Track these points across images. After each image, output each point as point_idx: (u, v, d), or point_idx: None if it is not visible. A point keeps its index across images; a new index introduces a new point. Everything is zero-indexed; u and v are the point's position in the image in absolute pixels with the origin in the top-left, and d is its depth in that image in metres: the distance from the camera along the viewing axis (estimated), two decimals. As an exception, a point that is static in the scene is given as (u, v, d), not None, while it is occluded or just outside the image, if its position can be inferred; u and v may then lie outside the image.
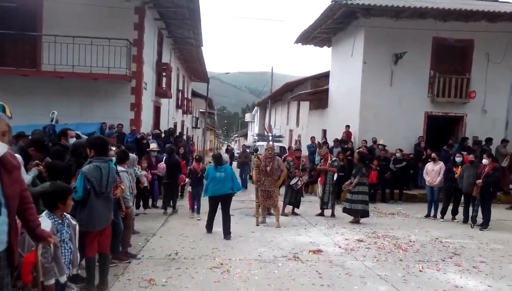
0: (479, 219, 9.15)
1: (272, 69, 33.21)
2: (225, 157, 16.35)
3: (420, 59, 14.05)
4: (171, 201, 10.12)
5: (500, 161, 12.34)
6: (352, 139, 14.06)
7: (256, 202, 9.02)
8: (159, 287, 4.93)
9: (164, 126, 16.10)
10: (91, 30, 11.70)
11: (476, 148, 13.11)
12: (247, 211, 10.52)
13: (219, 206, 7.85)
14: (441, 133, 14.81)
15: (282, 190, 10.93)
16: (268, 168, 8.79)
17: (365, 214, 9.36)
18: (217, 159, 7.99)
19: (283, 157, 12.22)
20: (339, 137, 14.18)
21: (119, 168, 5.74)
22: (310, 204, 11.61)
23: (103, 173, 4.45)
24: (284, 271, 5.64)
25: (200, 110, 34.27)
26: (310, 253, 6.62)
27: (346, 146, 13.33)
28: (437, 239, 7.94)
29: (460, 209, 9.88)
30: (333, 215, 9.98)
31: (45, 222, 3.31)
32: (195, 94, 29.54)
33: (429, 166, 10.58)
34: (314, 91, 19.30)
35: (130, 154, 6.86)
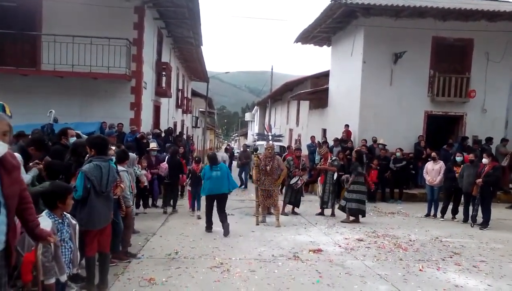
0: (479, 218, 9.16)
1: (272, 69, 33.22)
2: (224, 156, 16.39)
3: (420, 58, 14.05)
4: (171, 201, 10.15)
5: (500, 160, 12.33)
6: (352, 139, 14.06)
7: (256, 201, 9.02)
8: (159, 286, 4.93)
9: (164, 125, 16.09)
10: (91, 30, 11.69)
11: (476, 147, 13.11)
12: (247, 210, 10.52)
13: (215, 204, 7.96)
14: (441, 132, 14.81)
15: (282, 189, 10.94)
16: (268, 167, 8.79)
17: (361, 213, 9.31)
18: (212, 159, 8.19)
19: (282, 156, 12.21)
20: (339, 137, 14.18)
21: (119, 168, 5.74)
22: (310, 203, 11.61)
23: (103, 172, 4.45)
24: (284, 271, 5.64)
25: (200, 109, 34.26)
26: (310, 252, 6.62)
27: (346, 145, 13.33)
28: (437, 238, 7.94)
29: (460, 208, 9.88)
30: (333, 214, 9.98)
31: (46, 221, 3.31)
32: (195, 93, 29.53)
33: (429, 165, 10.59)
34: (314, 91, 19.29)
35: (130, 153, 6.86)
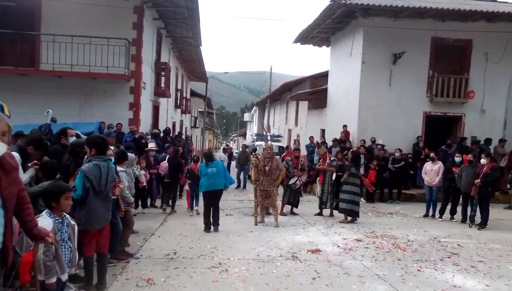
0: (477, 218, 9.17)
1: (271, 69, 33.25)
2: (222, 156, 16.38)
3: (419, 59, 14.06)
4: (169, 200, 10.18)
5: (498, 160, 12.37)
6: (350, 139, 14.06)
7: (254, 202, 9.03)
8: (157, 286, 4.93)
9: (163, 126, 16.09)
10: (90, 30, 11.69)
11: (475, 147, 13.14)
12: (245, 210, 10.53)
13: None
14: (440, 133, 14.83)
15: (281, 190, 10.93)
16: (267, 168, 8.79)
17: (353, 213, 9.29)
18: (207, 156, 8.45)
19: (281, 157, 12.22)
20: (338, 137, 14.19)
21: (118, 168, 5.75)
22: (308, 203, 11.61)
23: (102, 171, 4.45)
24: (283, 271, 5.64)
25: (199, 110, 34.27)
26: (309, 252, 6.62)
27: (344, 146, 13.33)
28: (436, 238, 7.95)
29: (459, 209, 9.90)
30: (331, 214, 9.98)
31: (46, 221, 3.32)
32: (194, 93, 29.54)
33: (428, 165, 10.60)
34: (313, 91, 19.30)
35: (129, 154, 6.88)
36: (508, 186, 12.94)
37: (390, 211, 10.98)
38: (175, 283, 5.04)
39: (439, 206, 10.20)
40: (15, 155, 3.46)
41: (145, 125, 13.69)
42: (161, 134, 14.05)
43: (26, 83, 12.21)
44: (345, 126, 14.39)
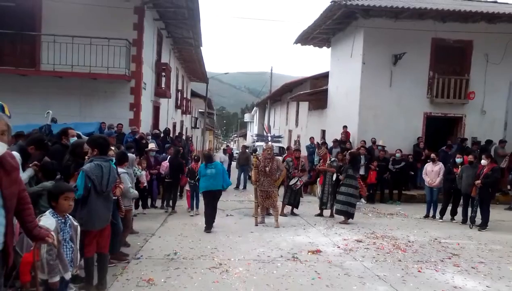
0: (478, 219, 9.16)
1: (271, 70, 33.26)
2: (222, 157, 16.36)
3: (419, 60, 14.06)
4: (170, 200, 10.20)
5: (498, 161, 12.36)
6: (351, 140, 14.06)
7: (255, 202, 9.02)
8: (157, 287, 4.93)
9: (163, 126, 16.10)
10: (91, 30, 11.70)
11: (476, 147, 13.14)
12: (246, 211, 10.52)
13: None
14: (440, 134, 14.82)
15: (281, 190, 10.93)
16: (267, 169, 8.78)
17: (348, 215, 9.30)
18: (207, 157, 8.55)
19: (282, 157, 12.22)
20: (338, 138, 14.19)
21: (120, 169, 5.76)
22: (309, 204, 11.61)
23: (104, 171, 4.46)
24: (283, 271, 5.64)
25: (199, 110, 34.28)
26: (309, 253, 6.61)
27: (345, 146, 13.33)
28: (436, 239, 7.94)
29: (459, 210, 9.89)
30: (332, 215, 9.97)
31: (50, 220, 3.34)
32: (194, 94, 29.54)
33: (429, 166, 10.59)
34: (313, 92, 19.30)
35: (129, 154, 6.88)
36: (509, 187, 12.93)
37: (390, 211, 10.98)
38: (175, 284, 5.03)
39: (439, 207, 10.20)
40: (16, 155, 3.46)
41: (145, 126, 13.69)
42: (162, 135, 14.05)
43: (26, 83, 12.22)
44: (345, 127, 14.39)
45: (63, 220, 3.48)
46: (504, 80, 14.35)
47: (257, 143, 21.49)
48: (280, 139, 24.02)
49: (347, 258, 6.42)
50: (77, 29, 11.76)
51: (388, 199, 12.70)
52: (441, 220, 9.98)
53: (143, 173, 8.56)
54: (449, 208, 10.03)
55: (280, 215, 9.35)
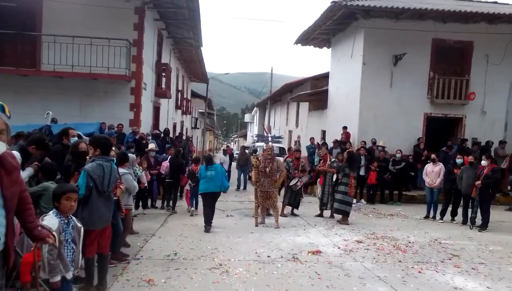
0: (478, 220, 9.15)
1: (271, 70, 33.26)
2: (222, 158, 16.34)
3: (420, 60, 14.06)
4: (170, 201, 10.22)
5: (499, 162, 12.35)
6: (351, 141, 14.06)
7: (255, 203, 9.02)
8: (158, 287, 4.92)
9: (163, 126, 16.09)
10: (91, 30, 11.71)
11: (476, 148, 13.13)
12: (246, 211, 10.52)
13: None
14: (441, 134, 14.82)
15: (282, 191, 10.93)
16: (268, 169, 8.78)
17: (343, 213, 9.34)
18: (208, 160, 8.63)
19: (285, 158, 12.20)
20: (339, 138, 14.19)
21: (122, 170, 5.76)
22: (309, 204, 11.60)
23: (105, 171, 4.47)
24: (283, 272, 5.63)
25: (200, 110, 34.28)
26: (309, 254, 6.61)
27: (345, 147, 13.32)
28: (436, 240, 7.94)
29: (459, 211, 9.88)
30: (332, 216, 9.96)
31: (53, 220, 3.37)
32: (194, 94, 29.54)
33: (429, 167, 10.59)
34: (314, 92, 19.30)
35: (130, 154, 6.88)
36: (509, 187, 12.94)
37: (390, 212, 10.97)
38: (175, 284, 5.03)
39: (440, 207, 10.19)
40: (16, 154, 3.45)
41: (145, 126, 13.69)
42: (162, 135, 14.04)
43: (27, 83, 12.22)
44: (345, 127, 14.39)
45: (66, 221, 3.49)
46: (504, 81, 14.35)
47: (257, 144, 21.48)
48: (280, 139, 24.04)
49: (347, 259, 6.42)
50: (78, 29, 11.77)
51: (388, 200, 12.70)
52: (441, 221, 9.97)
53: (144, 173, 8.56)
54: (449, 208, 10.03)
55: (280, 216, 9.35)
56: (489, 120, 14.43)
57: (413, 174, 13.17)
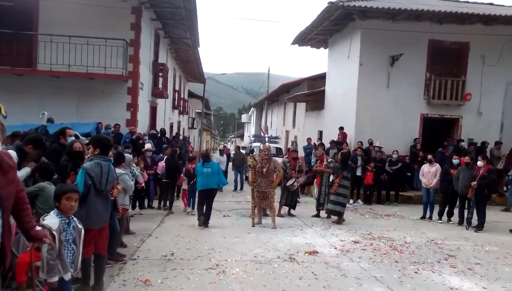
0: (474, 220, 9.20)
1: (268, 70, 33.22)
2: (218, 158, 16.32)
3: (416, 61, 14.10)
4: (167, 201, 10.22)
5: (495, 163, 12.40)
6: (348, 141, 14.08)
7: (252, 203, 9.01)
8: (154, 287, 4.91)
9: (160, 126, 16.05)
10: (88, 30, 11.67)
11: (472, 148, 13.18)
12: (243, 212, 10.51)
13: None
14: (437, 135, 14.87)
15: (278, 191, 10.93)
16: (264, 169, 8.78)
17: (337, 214, 9.38)
18: (205, 157, 8.80)
19: (283, 158, 12.21)
20: (335, 139, 14.21)
21: (119, 170, 5.75)
22: (306, 205, 11.62)
23: (103, 170, 4.48)
24: (280, 272, 5.64)
25: (197, 110, 34.25)
26: (306, 254, 6.61)
27: (341, 147, 13.34)
28: (433, 240, 7.97)
29: (456, 211, 9.92)
30: (329, 216, 9.98)
31: (53, 220, 3.38)
32: (191, 94, 29.52)
33: (425, 167, 10.62)
34: (311, 93, 19.32)
35: (126, 154, 6.87)
36: (505, 188, 12.99)
37: (387, 212, 11.00)
38: (172, 285, 5.02)
39: (436, 208, 10.22)
40: (13, 154, 3.44)
41: (142, 126, 13.66)
42: (159, 135, 14.01)
43: (23, 83, 12.17)
44: (341, 128, 14.41)
45: (67, 221, 3.49)
46: (500, 82, 14.41)
47: (254, 144, 21.46)
48: (277, 140, 24.03)
49: (344, 259, 6.43)
50: (74, 29, 11.72)
51: (385, 200, 12.73)
52: (440, 221, 10.00)
53: (140, 173, 8.54)
54: (446, 209, 10.06)
55: (277, 216, 9.35)
56: (485, 121, 14.50)
57: (409, 174, 13.22)
